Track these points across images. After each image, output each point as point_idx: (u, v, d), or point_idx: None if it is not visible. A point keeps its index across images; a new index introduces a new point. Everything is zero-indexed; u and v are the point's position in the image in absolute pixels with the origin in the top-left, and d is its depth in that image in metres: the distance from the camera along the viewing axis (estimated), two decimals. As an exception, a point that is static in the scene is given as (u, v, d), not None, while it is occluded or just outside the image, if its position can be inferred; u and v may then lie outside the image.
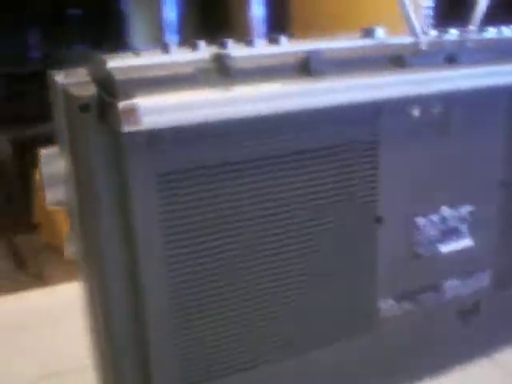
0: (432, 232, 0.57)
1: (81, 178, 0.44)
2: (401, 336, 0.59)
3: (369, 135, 0.51)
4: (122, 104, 0.40)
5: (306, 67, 0.47)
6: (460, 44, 0.54)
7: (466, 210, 0.58)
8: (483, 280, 0.62)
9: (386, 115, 0.51)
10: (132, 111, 0.40)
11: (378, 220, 0.54)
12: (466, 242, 0.59)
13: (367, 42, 0.53)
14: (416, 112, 0.52)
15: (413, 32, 0.52)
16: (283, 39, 0.50)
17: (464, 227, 0.59)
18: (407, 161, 0.53)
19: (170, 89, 0.42)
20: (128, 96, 0.41)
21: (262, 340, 0.52)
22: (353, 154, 0.51)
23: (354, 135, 0.51)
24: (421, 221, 0.56)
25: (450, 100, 0.53)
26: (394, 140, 0.52)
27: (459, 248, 0.59)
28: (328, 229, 0.52)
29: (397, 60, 0.51)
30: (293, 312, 0.53)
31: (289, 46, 0.50)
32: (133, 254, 0.45)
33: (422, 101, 0.52)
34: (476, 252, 0.60)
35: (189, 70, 0.44)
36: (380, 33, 0.54)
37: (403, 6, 0.51)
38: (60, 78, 0.46)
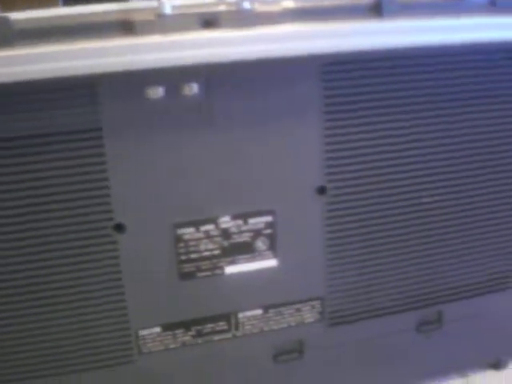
0: (208, 247, 0.45)
1: None
2: (169, 373, 0.47)
3: (87, 122, 0.41)
4: None
5: None
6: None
7: (260, 221, 0.45)
8: (306, 313, 0.48)
9: (107, 95, 0.40)
10: None
11: (119, 228, 0.43)
12: (266, 263, 0.46)
13: None
14: (155, 93, 0.41)
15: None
16: None
17: (260, 243, 0.46)
18: (152, 157, 0.42)
19: None
20: None
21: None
22: (69, 145, 0.41)
23: (67, 121, 0.40)
24: (187, 232, 0.44)
25: (212, 76, 0.41)
26: (125, 129, 0.41)
27: (255, 269, 0.46)
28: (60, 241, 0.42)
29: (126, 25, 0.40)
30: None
31: None
32: None
33: (163, 77, 0.40)
34: (288, 276, 0.47)
35: None
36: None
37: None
38: None
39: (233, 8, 0.42)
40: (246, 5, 0.42)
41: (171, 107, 0.41)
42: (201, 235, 0.44)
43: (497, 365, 0.56)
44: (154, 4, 0.41)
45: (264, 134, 0.43)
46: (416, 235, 0.49)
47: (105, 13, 0.41)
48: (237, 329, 0.47)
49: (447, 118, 0.47)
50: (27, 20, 0.40)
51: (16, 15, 0.39)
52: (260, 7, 0.42)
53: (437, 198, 0.48)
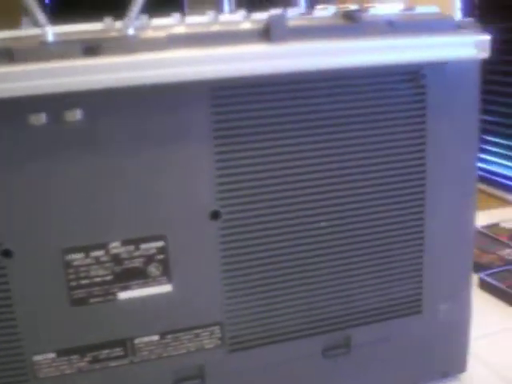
0: (99, 273, 0.44)
1: None
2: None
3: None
4: None
5: None
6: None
7: (152, 246, 0.45)
8: (206, 339, 0.48)
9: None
10: None
11: (6, 253, 0.43)
12: (161, 288, 0.46)
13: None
14: (38, 120, 0.41)
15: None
16: None
17: (153, 269, 0.45)
18: (37, 182, 0.42)
19: None
20: None
21: None
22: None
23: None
24: (76, 258, 0.44)
25: (94, 102, 0.41)
26: (9, 156, 0.41)
27: (149, 295, 0.45)
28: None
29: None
30: None
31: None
32: None
33: (45, 104, 0.40)
34: (185, 301, 0.46)
35: None
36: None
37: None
38: None
39: (117, 35, 0.42)
40: (131, 31, 0.42)
41: (54, 133, 0.41)
42: (91, 261, 0.44)
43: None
44: (39, 32, 0.41)
45: (152, 159, 0.43)
46: (317, 259, 0.48)
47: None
48: (134, 355, 0.47)
49: (343, 142, 0.47)
50: None
51: None
52: (145, 34, 0.42)
53: (336, 222, 0.47)
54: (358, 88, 0.46)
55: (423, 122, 0.48)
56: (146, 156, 0.43)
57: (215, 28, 0.44)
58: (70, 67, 0.40)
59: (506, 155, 2.31)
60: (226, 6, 2.43)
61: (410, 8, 0.50)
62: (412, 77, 0.47)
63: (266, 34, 0.44)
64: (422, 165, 0.49)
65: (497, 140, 2.33)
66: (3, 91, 0.39)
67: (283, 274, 0.48)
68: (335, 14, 0.48)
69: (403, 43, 0.46)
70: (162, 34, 0.43)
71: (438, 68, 0.48)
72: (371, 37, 0.45)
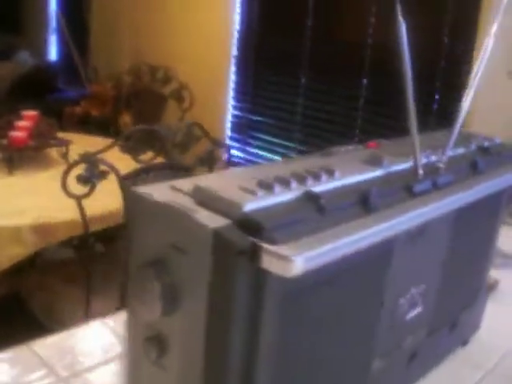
0: (404, 307, 0.76)
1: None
2: None
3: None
4: (281, 251, 0.49)
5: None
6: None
7: (421, 288, 0.78)
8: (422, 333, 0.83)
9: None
10: (288, 259, 0.50)
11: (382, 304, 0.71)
12: (418, 310, 0.79)
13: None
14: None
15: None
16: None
17: (419, 299, 0.79)
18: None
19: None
20: (279, 242, 0.50)
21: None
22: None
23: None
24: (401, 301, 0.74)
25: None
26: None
27: (415, 314, 0.79)
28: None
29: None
30: None
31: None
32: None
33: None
34: (421, 315, 0.81)
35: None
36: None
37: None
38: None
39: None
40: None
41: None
42: (406, 300, 0.74)
43: None
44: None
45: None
46: None
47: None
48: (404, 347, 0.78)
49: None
50: None
51: None
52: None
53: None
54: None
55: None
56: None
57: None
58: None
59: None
60: None
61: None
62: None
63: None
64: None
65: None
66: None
67: None
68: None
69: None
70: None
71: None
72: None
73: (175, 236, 0.54)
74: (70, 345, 0.91)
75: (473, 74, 0.73)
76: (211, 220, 0.52)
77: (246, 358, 0.54)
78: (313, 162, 0.68)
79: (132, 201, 0.58)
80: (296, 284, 0.54)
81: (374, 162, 0.70)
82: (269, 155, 3.85)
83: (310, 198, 0.58)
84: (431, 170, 0.72)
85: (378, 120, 3.57)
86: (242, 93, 4.02)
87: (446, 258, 0.81)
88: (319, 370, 0.64)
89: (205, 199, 0.55)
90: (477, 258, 0.93)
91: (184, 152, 1.79)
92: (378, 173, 0.69)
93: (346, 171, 0.65)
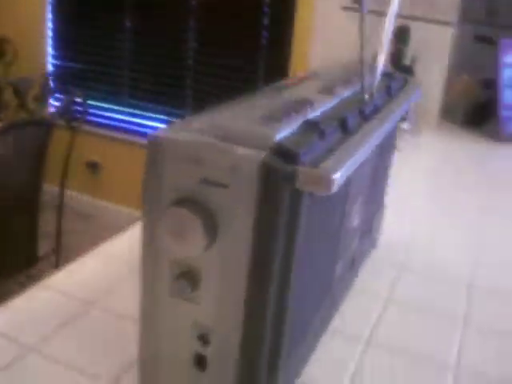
0: (353, 216, 0.87)
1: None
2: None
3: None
4: (322, 173, 0.56)
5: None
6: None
7: (360, 199, 0.90)
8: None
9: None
10: (327, 179, 0.56)
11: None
12: (357, 218, 0.91)
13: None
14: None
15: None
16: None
17: (359, 209, 0.90)
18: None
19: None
20: (313, 165, 0.57)
21: None
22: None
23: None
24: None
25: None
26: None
27: (356, 222, 0.90)
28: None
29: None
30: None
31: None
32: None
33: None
34: (358, 223, 0.93)
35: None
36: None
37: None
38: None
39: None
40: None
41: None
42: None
43: None
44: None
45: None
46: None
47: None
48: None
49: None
50: None
51: None
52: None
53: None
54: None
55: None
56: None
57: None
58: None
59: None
60: None
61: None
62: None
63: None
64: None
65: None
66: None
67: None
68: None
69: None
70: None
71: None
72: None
73: (208, 172, 0.58)
74: None
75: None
76: (250, 152, 0.56)
77: (283, 270, 0.61)
78: (286, 95, 0.74)
79: (151, 145, 0.59)
80: (314, 199, 0.62)
81: (328, 91, 0.78)
82: (98, 104, 3.76)
83: (311, 125, 0.64)
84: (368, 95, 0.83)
85: (209, 60, 3.69)
86: (62, 40, 3.80)
87: (372, 172, 0.93)
88: (312, 274, 0.72)
89: (229, 135, 0.58)
90: (383, 173, 1.08)
91: (43, 105, 1.68)
92: (334, 101, 0.77)
93: (318, 101, 0.72)
